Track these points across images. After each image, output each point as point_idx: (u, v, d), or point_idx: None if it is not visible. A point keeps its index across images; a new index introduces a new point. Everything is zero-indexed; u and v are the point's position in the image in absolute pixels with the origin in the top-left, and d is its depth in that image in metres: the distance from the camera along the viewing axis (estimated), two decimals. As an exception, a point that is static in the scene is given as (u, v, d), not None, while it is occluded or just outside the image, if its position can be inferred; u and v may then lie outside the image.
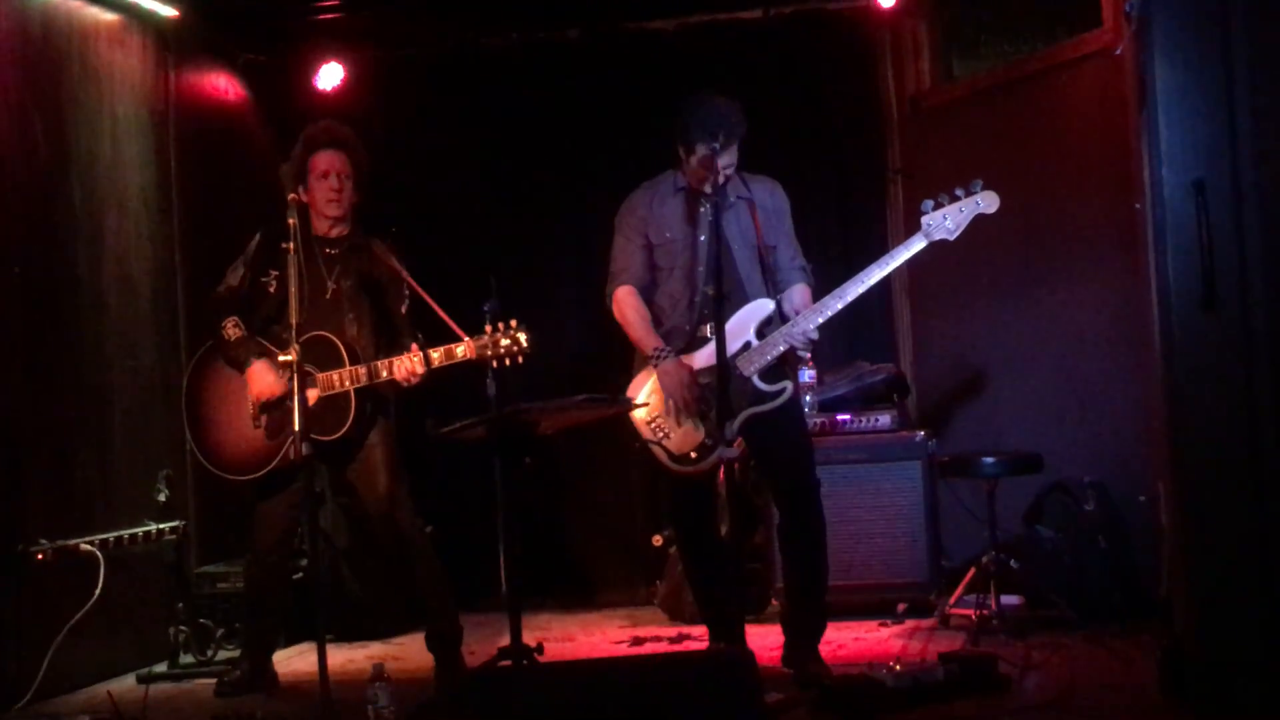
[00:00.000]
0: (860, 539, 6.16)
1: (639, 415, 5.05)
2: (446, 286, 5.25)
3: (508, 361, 4.94)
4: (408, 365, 5.11)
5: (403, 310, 5.36)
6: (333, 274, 5.35)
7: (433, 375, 5.13)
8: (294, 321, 4.65)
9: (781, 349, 4.97)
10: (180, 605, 5.88)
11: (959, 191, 4.92)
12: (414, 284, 5.23)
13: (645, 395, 5.05)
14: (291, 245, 4.66)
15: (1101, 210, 6.18)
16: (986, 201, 4.92)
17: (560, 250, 7.39)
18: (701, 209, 5.02)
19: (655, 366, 5.02)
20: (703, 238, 5.01)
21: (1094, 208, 6.27)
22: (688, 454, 5.01)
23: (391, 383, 5.17)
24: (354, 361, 5.19)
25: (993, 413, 6.73)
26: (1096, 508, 5.97)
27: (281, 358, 4.78)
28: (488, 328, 4.94)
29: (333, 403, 5.18)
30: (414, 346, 5.13)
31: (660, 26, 7.25)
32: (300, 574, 5.93)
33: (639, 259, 5.14)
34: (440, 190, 7.43)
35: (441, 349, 5.08)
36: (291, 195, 4.77)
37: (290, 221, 4.70)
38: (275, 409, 5.25)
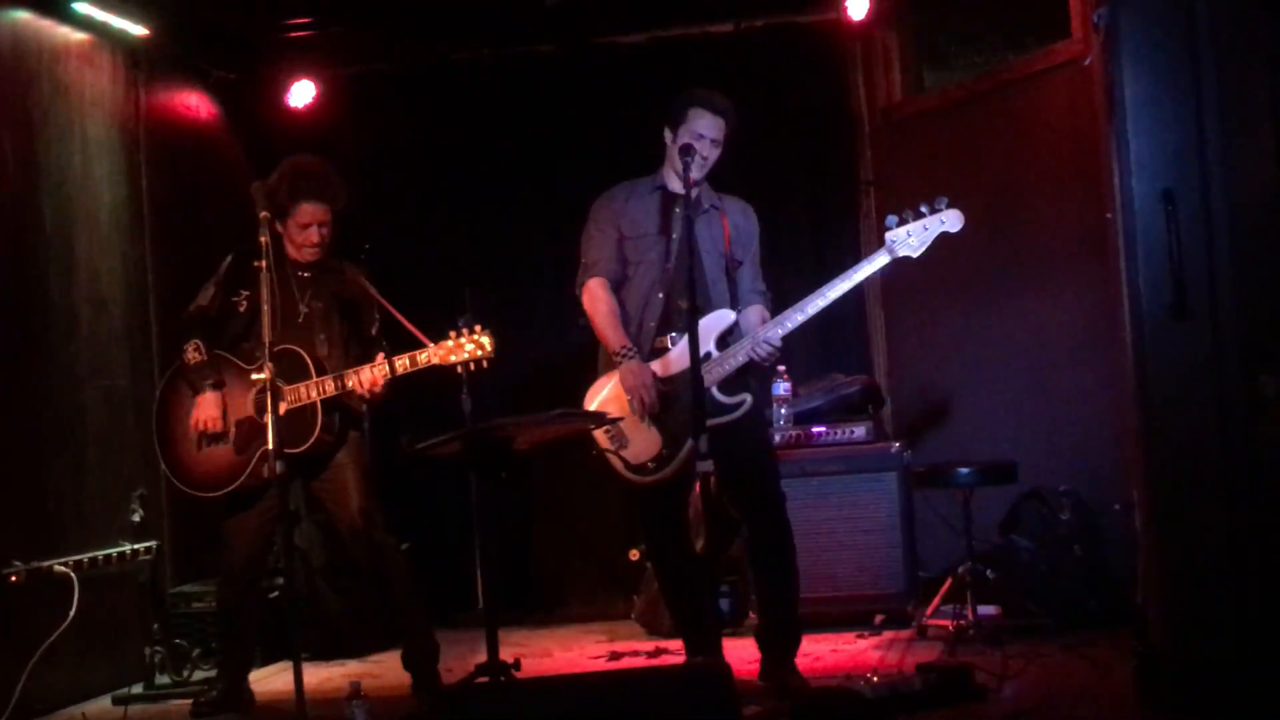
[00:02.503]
0: (837, 550, 6.16)
1: None
2: (420, 302, 5.25)
3: (473, 367, 4.94)
4: (371, 374, 5.11)
5: (373, 331, 5.38)
6: (305, 296, 5.34)
7: (403, 387, 5.12)
8: (267, 339, 4.64)
9: (742, 360, 4.95)
10: (156, 625, 5.84)
11: (924, 208, 4.89)
12: (387, 304, 5.23)
13: (602, 399, 5.03)
14: (264, 262, 4.66)
15: (1072, 220, 6.21)
16: (950, 220, 4.88)
17: (535, 265, 7.37)
18: (676, 209, 5.01)
19: (619, 364, 4.99)
20: (675, 235, 4.99)
21: (1065, 217, 6.30)
22: (645, 463, 4.98)
23: (361, 397, 5.17)
24: (320, 374, 5.20)
25: (967, 423, 6.75)
26: (1072, 516, 5.99)
27: (254, 375, 4.76)
28: (451, 333, 4.95)
29: (299, 415, 5.17)
30: (380, 356, 5.13)
31: (632, 40, 7.27)
32: (276, 592, 5.91)
33: (611, 251, 5.09)
34: (413, 206, 7.43)
35: (406, 355, 5.09)
36: (264, 213, 4.75)
37: (263, 239, 4.69)
38: (214, 441, 5.27)
